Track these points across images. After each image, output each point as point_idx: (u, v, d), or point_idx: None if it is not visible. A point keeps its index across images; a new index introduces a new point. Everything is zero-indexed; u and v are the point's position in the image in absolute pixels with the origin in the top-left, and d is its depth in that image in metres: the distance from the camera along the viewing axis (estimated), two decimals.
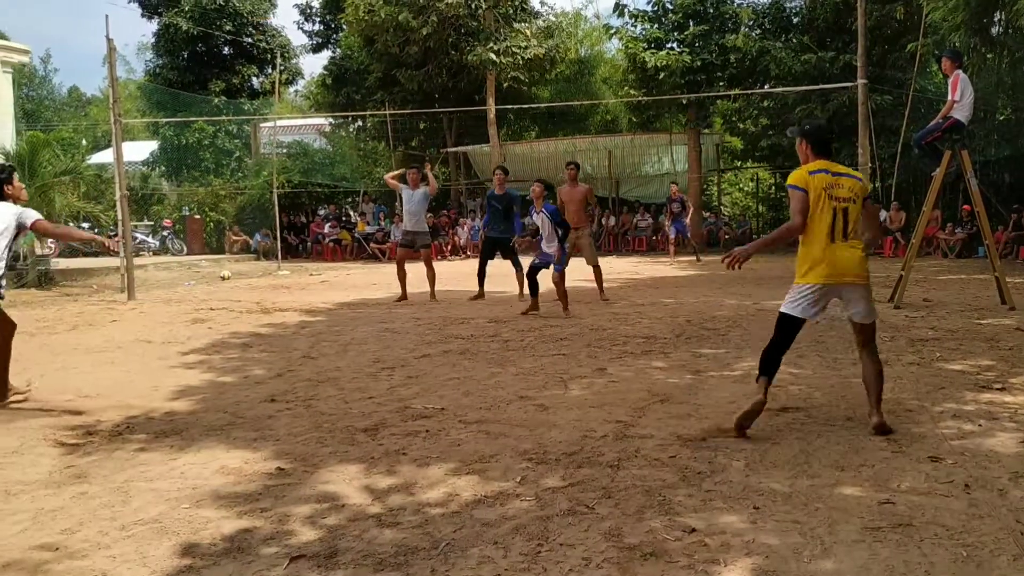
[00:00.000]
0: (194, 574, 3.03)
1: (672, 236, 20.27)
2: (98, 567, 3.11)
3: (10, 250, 6.05)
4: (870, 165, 12.06)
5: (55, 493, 3.95)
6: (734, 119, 27.53)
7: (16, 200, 6.26)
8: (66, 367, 7.40)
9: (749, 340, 7.73)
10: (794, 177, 4.81)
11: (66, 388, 6.39)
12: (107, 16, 17.16)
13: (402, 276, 11.95)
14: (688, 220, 20.43)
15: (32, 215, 6.16)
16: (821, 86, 19.38)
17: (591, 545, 3.14)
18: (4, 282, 6.06)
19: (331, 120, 31.74)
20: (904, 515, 3.35)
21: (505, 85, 25.42)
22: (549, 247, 9.72)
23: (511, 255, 11.78)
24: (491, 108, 24.86)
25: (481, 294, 11.90)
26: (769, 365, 4.58)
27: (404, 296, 11.86)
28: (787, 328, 4.62)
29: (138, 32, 74.61)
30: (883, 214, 20.33)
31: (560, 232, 9.59)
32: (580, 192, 11.41)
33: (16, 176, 6.37)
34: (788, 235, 4.74)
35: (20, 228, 6.11)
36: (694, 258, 19.09)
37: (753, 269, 15.48)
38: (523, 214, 12.99)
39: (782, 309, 4.66)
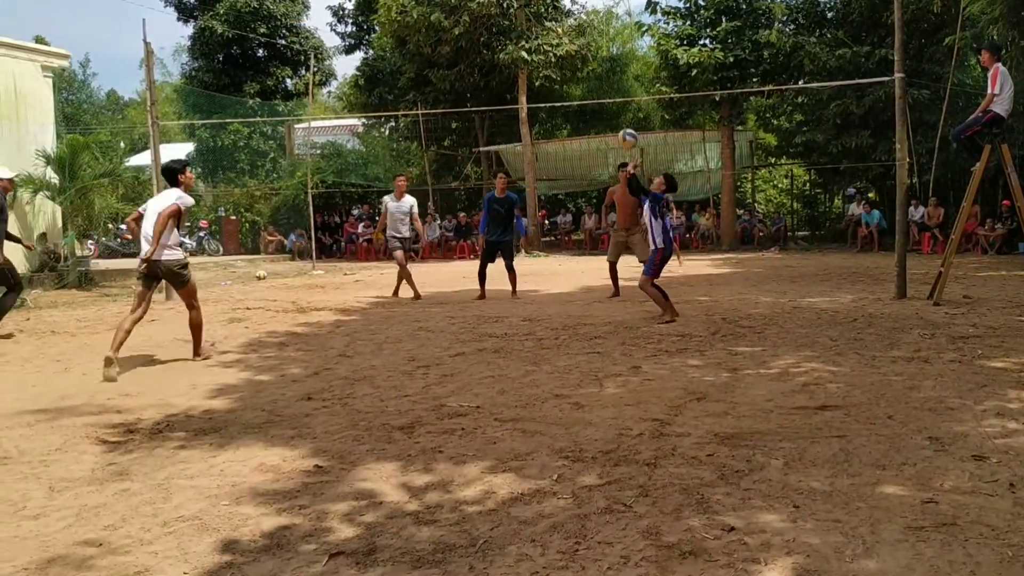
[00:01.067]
0: (235, 570, 3.04)
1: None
2: (140, 562, 3.13)
3: (179, 228, 7.58)
4: (908, 160, 11.84)
5: (98, 490, 4.00)
6: (768, 115, 27.32)
7: (187, 188, 7.75)
8: None
9: (786, 338, 7.66)
10: None
11: (107, 387, 6.48)
12: (144, 20, 17.41)
13: (407, 275, 12.60)
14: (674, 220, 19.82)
15: (189, 200, 7.60)
16: (856, 81, 19.15)
17: (629, 543, 3.12)
18: (183, 254, 7.61)
19: (364, 121, 31.93)
20: (948, 515, 3.29)
21: (537, 84, 25.40)
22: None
23: (508, 259, 12.15)
24: (523, 107, 24.85)
25: (483, 295, 12.14)
26: None
27: (416, 295, 12.53)
28: None
29: (174, 35, 75.83)
30: (920, 210, 20.06)
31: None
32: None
33: (189, 169, 7.92)
34: None
35: (181, 209, 7.48)
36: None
37: (790, 267, 15.35)
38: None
39: None
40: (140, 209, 7.69)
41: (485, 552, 3.10)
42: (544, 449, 4.36)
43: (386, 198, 13.11)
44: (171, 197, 7.44)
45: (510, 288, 12.14)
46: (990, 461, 3.92)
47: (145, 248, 7.34)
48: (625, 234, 11.39)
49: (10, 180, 10.25)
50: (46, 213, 16.41)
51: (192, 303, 7.65)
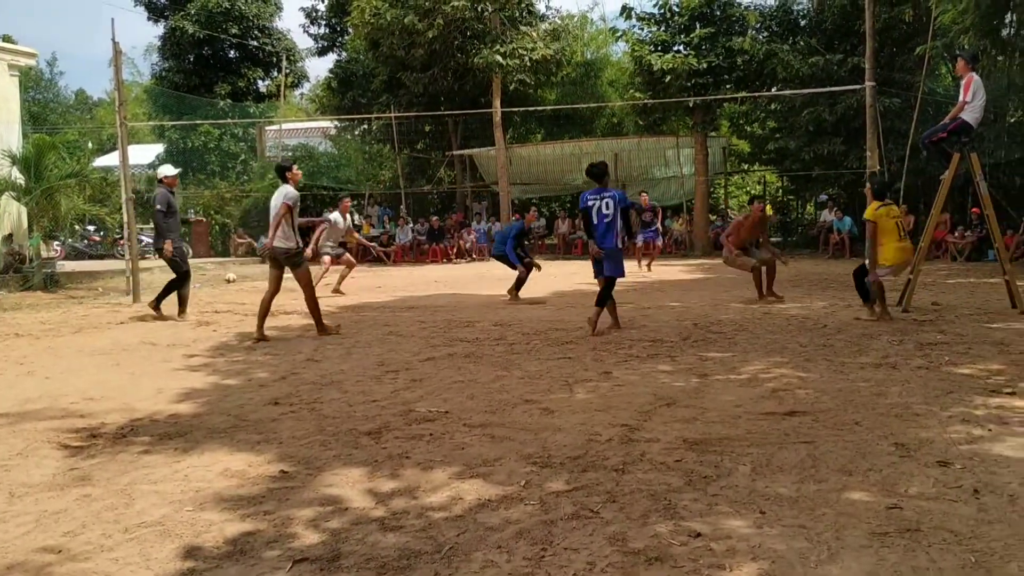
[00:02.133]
0: None
1: (640, 243, 18.60)
2: (101, 569, 3.09)
3: (291, 225, 8.72)
4: (879, 168, 11.99)
5: (59, 495, 3.94)
6: (741, 122, 27.53)
7: (295, 183, 8.94)
8: (71, 370, 7.38)
9: (756, 343, 7.69)
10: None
11: (70, 391, 6.38)
12: (113, 20, 17.28)
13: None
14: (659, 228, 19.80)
15: (293, 194, 8.72)
16: (829, 88, 19.34)
17: (595, 549, 3.10)
18: (294, 244, 8.83)
19: (336, 123, 31.81)
20: (912, 520, 3.31)
21: (511, 87, 25.42)
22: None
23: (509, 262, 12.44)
24: (497, 110, 24.85)
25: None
26: None
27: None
28: None
29: (145, 35, 75.07)
30: None
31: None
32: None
33: (295, 166, 9.11)
34: None
35: (290, 205, 8.61)
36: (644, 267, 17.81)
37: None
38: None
39: None
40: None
41: (451, 559, 3.08)
42: (512, 455, 4.34)
43: (334, 214, 14.40)
44: (280, 196, 8.72)
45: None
46: (954, 467, 3.95)
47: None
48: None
49: (175, 177, 11.17)
50: (11, 214, 16.19)
51: (307, 285, 8.97)
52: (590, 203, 8.52)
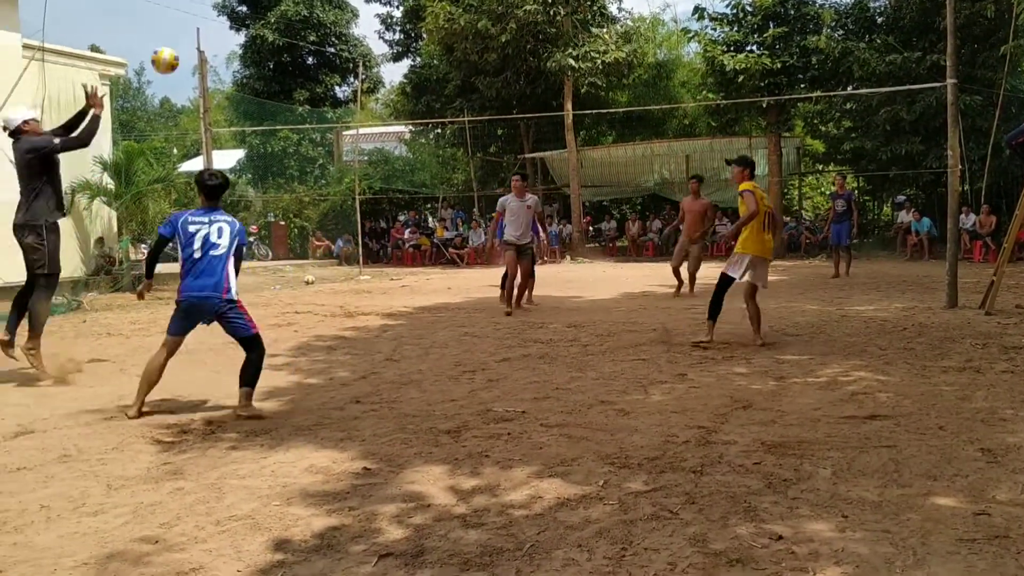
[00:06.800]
0: (286, 569, 3.10)
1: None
2: (195, 560, 3.20)
3: None
4: (959, 167, 11.63)
5: (153, 488, 4.09)
6: (815, 122, 27.00)
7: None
8: None
9: (833, 346, 7.58)
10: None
11: (161, 388, 6.59)
12: (198, 29, 17.79)
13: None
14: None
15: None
16: (908, 87, 18.85)
17: (676, 550, 3.12)
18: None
19: (411, 128, 32.21)
20: (1001, 527, 3.25)
21: (583, 90, 25.39)
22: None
23: (529, 263, 11.85)
24: (568, 113, 24.86)
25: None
26: None
27: None
28: None
29: (227, 44, 77.01)
30: (972, 218, 19.67)
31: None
32: (701, 205, 12.11)
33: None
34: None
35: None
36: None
37: (838, 275, 15.16)
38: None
39: None
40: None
41: (532, 556, 3.12)
42: (590, 455, 4.38)
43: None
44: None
45: (528, 293, 12.00)
46: None
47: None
48: (687, 242, 11.97)
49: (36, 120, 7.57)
50: (102, 218, 16.80)
51: (525, 274, 10.81)
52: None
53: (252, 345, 5.80)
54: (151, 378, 5.64)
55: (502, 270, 11.72)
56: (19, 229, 6.97)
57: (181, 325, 5.77)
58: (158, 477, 4.28)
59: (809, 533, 3.24)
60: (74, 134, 7.27)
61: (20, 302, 7.12)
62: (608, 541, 3.23)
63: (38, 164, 6.94)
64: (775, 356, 7.22)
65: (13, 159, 7.02)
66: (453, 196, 29.32)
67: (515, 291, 11.17)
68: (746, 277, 7.74)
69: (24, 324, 7.11)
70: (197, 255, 5.65)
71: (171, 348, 5.74)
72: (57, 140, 7.06)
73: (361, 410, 5.64)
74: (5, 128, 7.05)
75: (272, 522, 3.57)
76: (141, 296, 6.25)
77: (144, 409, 5.61)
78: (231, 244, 5.75)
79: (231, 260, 5.76)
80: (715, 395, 5.76)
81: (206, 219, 5.74)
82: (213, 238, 5.68)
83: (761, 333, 7.90)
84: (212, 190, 5.87)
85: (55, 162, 7.08)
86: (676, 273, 12.40)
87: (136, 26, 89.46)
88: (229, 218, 5.89)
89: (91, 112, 7.33)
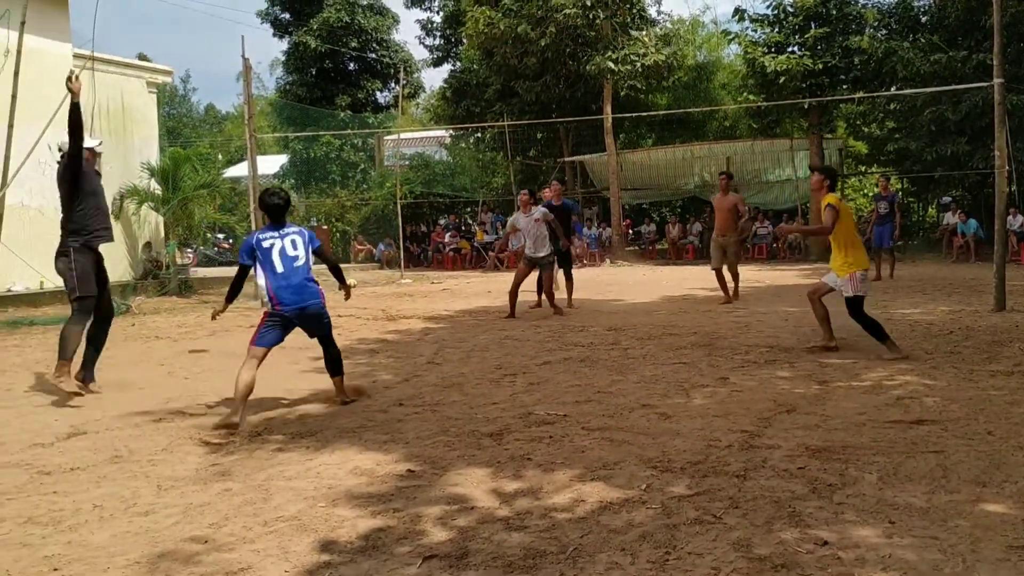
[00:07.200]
0: (332, 570, 3.14)
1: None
2: (244, 560, 3.25)
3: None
4: (1007, 168, 11.39)
5: (202, 489, 4.17)
6: (858, 123, 26.67)
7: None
8: (207, 370, 7.79)
9: (879, 349, 7.47)
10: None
11: (208, 390, 6.74)
12: (243, 37, 18.06)
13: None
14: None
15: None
16: (953, 86, 18.55)
17: (720, 555, 3.11)
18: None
19: (451, 132, 32.35)
20: None
21: (622, 93, 25.34)
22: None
23: (567, 266, 12.19)
24: (608, 117, 24.82)
25: (539, 303, 11.99)
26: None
27: None
28: None
29: (270, 51, 78.01)
30: (1020, 219, 19.29)
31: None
32: (730, 201, 11.85)
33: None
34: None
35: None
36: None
37: (881, 277, 14.95)
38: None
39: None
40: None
41: (575, 559, 3.13)
42: (632, 458, 4.38)
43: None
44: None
45: (567, 296, 12.12)
46: None
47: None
48: (722, 239, 11.78)
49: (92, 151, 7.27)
50: (150, 223, 17.14)
51: (547, 290, 11.08)
52: None
53: (329, 342, 6.15)
54: (244, 393, 5.52)
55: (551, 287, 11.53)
56: (56, 258, 6.69)
57: (277, 335, 5.88)
58: (206, 478, 4.35)
59: (855, 539, 3.21)
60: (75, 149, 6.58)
61: (91, 337, 6.88)
62: (651, 545, 3.24)
63: (64, 187, 6.63)
64: (818, 360, 7.15)
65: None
66: (493, 200, 29.41)
67: (516, 299, 11.08)
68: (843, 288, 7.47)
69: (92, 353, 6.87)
70: (280, 268, 5.81)
71: (259, 359, 5.80)
72: (60, 156, 6.63)
73: (404, 413, 5.70)
74: (60, 150, 6.79)
75: (318, 523, 3.62)
76: (214, 317, 6.35)
77: (234, 420, 5.41)
78: (307, 252, 5.95)
79: (310, 267, 5.98)
80: (758, 399, 5.72)
81: (277, 233, 5.92)
82: (289, 251, 5.86)
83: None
84: (271, 210, 6.02)
85: (81, 183, 6.63)
86: (720, 277, 12.05)
87: (182, 34, 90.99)
88: (298, 228, 6.08)
89: (66, 99, 6.68)
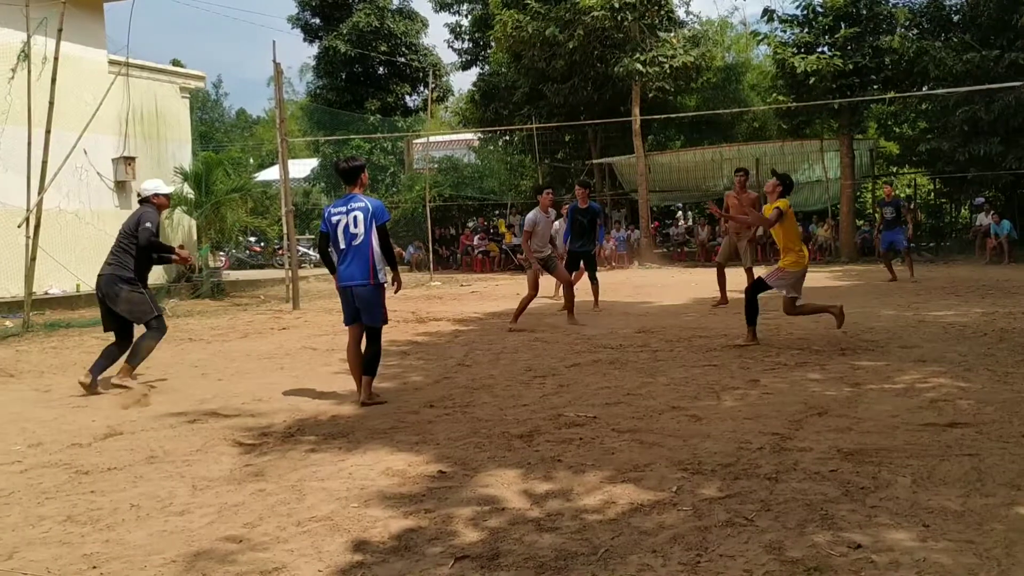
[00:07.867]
0: (365, 570, 3.17)
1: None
2: (278, 559, 3.29)
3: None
4: None
5: (236, 489, 4.22)
6: (889, 123, 26.42)
7: (544, 208, 10.39)
8: (240, 372, 7.89)
9: (911, 352, 7.41)
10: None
11: (241, 392, 6.82)
12: (274, 42, 18.15)
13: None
14: None
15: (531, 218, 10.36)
16: (986, 86, 18.31)
17: (752, 557, 3.10)
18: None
19: (480, 135, 32.44)
20: None
21: (650, 95, 25.27)
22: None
23: (592, 269, 12.14)
24: (636, 119, 24.76)
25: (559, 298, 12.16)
26: None
27: None
28: None
29: (300, 55, 78.64)
30: None
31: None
32: (747, 199, 11.66)
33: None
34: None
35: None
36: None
37: (913, 279, 14.82)
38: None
39: None
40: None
41: (607, 561, 3.14)
42: (663, 461, 4.38)
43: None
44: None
45: (592, 299, 12.14)
46: None
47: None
48: (735, 237, 11.65)
49: (167, 196, 7.94)
50: (183, 227, 17.35)
51: (565, 282, 10.76)
52: None
53: (373, 337, 6.20)
54: (352, 363, 6.28)
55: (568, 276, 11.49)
56: (109, 280, 7.15)
57: (348, 313, 6.26)
58: (240, 478, 4.41)
59: (889, 542, 3.19)
60: (157, 251, 7.50)
61: (109, 351, 7.24)
62: (683, 547, 3.24)
63: (143, 253, 7.27)
64: (850, 362, 7.09)
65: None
66: (521, 202, 29.43)
67: (524, 308, 10.75)
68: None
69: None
70: (342, 245, 6.07)
71: (352, 336, 6.31)
72: (151, 237, 7.23)
73: (435, 414, 5.73)
74: (139, 195, 7.54)
75: (351, 523, 3.65)
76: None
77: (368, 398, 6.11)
78: (368, 229, 6.03)
79: (374, 244, 6.05)
80: (789, 401, 5.69)
81: (344, 208, 6.09)
82: (351, 228, 6.03)
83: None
84: (344, 173, 6.25)
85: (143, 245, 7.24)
86: (720, 274, 11.85)
87: (215, 40, 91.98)
88: (363, 202, 6.12)
89: (175, 257, 7.91)
